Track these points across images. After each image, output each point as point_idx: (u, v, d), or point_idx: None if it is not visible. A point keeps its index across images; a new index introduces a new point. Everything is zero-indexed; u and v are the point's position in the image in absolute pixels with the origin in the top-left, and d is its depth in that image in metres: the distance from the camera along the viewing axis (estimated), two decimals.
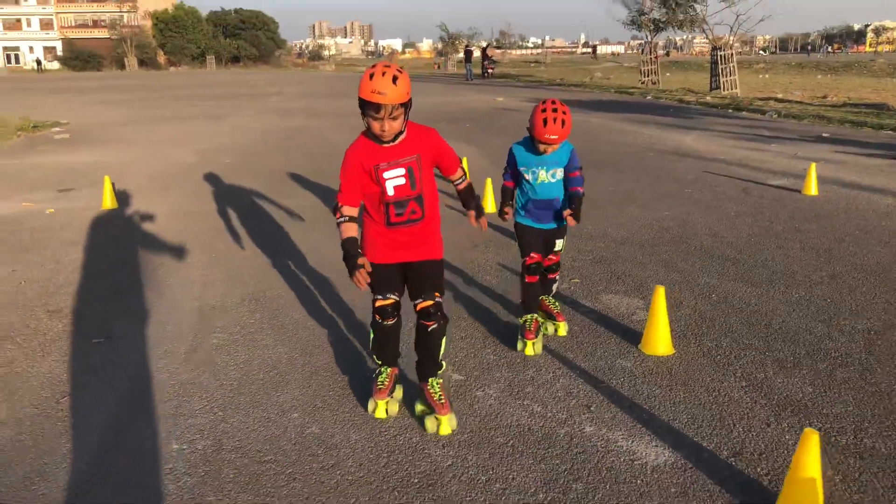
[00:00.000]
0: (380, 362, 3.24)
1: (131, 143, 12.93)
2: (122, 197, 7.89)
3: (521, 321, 3.93)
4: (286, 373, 3.66)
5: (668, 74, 41.27)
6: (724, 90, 24.59)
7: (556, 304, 4.15)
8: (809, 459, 2.30)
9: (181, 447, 2.99)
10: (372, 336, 3.19)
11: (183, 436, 3.08)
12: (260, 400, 3.39)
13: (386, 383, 3.18)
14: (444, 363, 3.23)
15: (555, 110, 3.49)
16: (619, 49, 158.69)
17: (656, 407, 3.25)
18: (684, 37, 32.68)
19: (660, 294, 3.75)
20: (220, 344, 4.04)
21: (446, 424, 3.06)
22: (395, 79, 2.69)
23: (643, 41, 30.31)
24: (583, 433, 3.04)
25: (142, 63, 71.92)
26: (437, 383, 3.16)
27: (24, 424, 3.19)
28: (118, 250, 5.96)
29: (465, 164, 8.53)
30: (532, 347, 3.82)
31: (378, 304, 3.08)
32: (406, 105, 2.78)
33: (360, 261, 2.86)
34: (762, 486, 2.65)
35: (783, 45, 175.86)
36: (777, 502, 2.45)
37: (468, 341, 4.00)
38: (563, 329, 4.05)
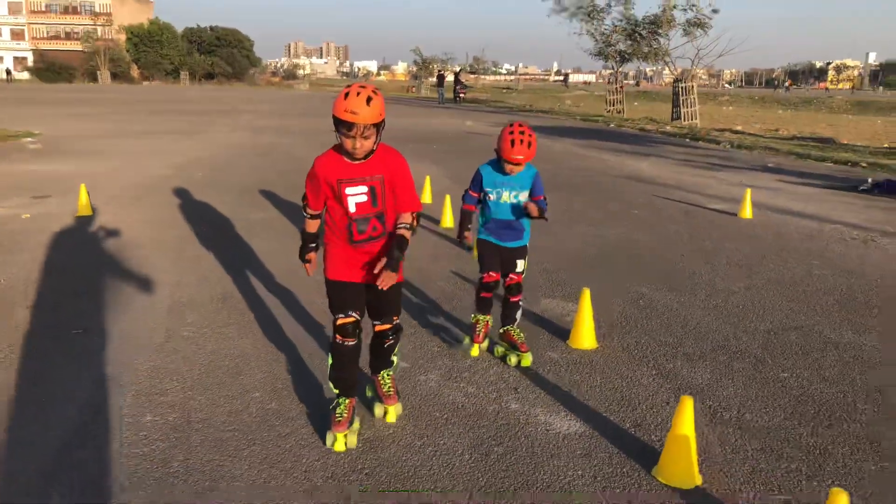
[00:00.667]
0: (337, 391, 3.22)
1: (105, 155, 13.21)
2: (96, 205, 8.22)
3: (472, 319, 4.16)
4: (250, 360, 4.07)
5: (636, 104, 42.60)
6: (684, 120, 25.58)
7: (521, 334, 4.10)
8: (684, 419, 2.79)
9: (154, 418, 3.38)
10: (330, 362, 3.20)
11: (156, 410, 3.47)
12: (225, 382, 3.79)
13: (345, 415, 3.15)
14: (394, 359, 3.40)
15: (521, 132, 3.69)
16: (591, 78, 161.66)
17: (575, 390, 3.74)
18: (653, 68, 33.86)
19: (586, 295, 4.25)
20: (190, 336, 4.43)
21: (392, 413, 3.32)
22: (369, 99, 2.75)
23: (612, 70, 31.27)
24: (508, 409, 3.51)
25: (115, 76, 71.67)
26: (388, 375, 3.37)
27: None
28: (93, 253, 6.32)
29: (427, 182, 9.05)
30: (478, 349, 4.09)
31: (339, 321, 3.09)
32: (378, 126, 2.84)
33: (309, 256, 3.17)
34: (654, 448, 3.14)
35: (749, 79, 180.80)
36: (661, 455, 2.94)
37: (417, 337, 4.44)
38: (526, 360, 4.00)
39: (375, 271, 2.94)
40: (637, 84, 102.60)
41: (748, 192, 8.70)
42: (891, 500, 2.84)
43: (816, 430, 3.35)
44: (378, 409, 3.35)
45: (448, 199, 7.83)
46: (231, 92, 55.02)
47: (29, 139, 15.76)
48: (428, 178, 9.31)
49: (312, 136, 17.42)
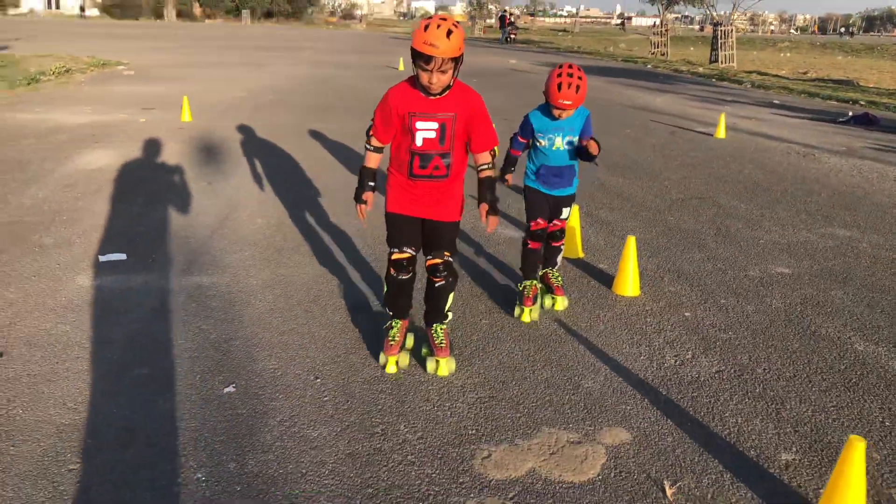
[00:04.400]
0: (391, 313, 3.32)
1: (188, 81, 15.45)
2: (194, 115, 10.43)
3: (519, 287, 3.97)
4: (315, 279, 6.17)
5: (691, 48, 42.81)
6: (722, 63, 26.53)
7: (559, 277, 4.11)
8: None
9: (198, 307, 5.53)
10: (385, 289, 3.30)
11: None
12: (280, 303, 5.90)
13: (397, 338, 3.24)
14: (449, 314, 3.35)
15: (570, 75, 3.47)
16: (655, 21, 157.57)
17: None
18: (720, 13, 33.85)
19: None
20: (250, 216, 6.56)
21: (444, 366, 3.25)
22: (449, 32, 2.67)
23: (680, 15, 32.06)
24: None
25: (178, 14, 74.25)
26: (441, 329, 3.31)
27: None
28: (200, 144, 8.52)
29: None
30: (528, 314, 3.85)
31: (394, 257, 3.12)
32: (457, 60, 2.75)
33: (365, 196, 3.08)
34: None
35: (822, 25, 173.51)
36: None
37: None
38: (560, 303, 4.02)
39: (482, 220, 3.04)
40: (702, 29, 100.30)
41: (722, 115, 10.38)
42: None
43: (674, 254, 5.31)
44: (430, 364, 3.27)
45: None
46: (290, 30, 56.93)
47: (122, 67, 18.13)
48: None
49: (367, 71, 19.35)
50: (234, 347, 3.51)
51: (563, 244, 4.06)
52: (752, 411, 3.09)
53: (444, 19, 2.73)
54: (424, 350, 3.38)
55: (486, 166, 3.06)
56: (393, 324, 3.30)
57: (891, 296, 4.43)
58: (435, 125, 2.91)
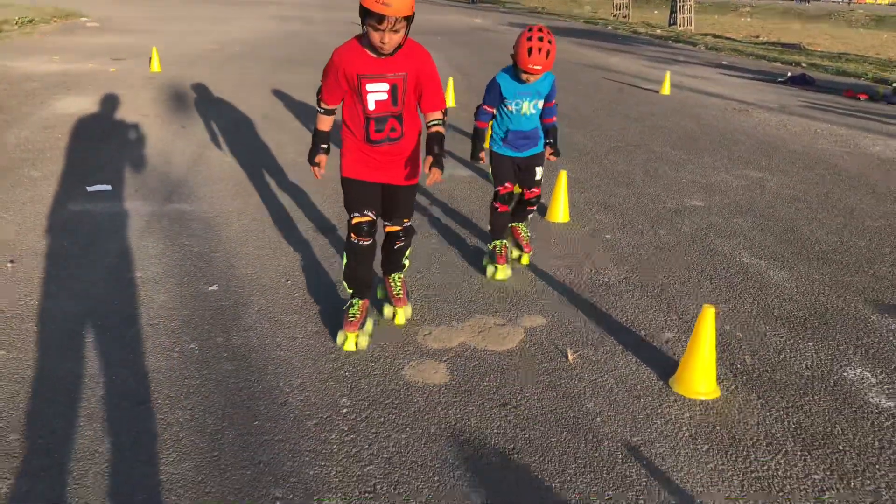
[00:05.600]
0: (351, 291, 3.21)
1: (155, 34, 15.54)
2: (163, 66, 10.72)
3: (489, 247, 4.02)
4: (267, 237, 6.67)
5: (655, 12, 43.33)
6: (680, 26, 27.16)
7: (528, 233, 4.18)
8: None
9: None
10: (345, 261, 3.18)
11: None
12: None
13: (357, 316, 3.13)
14: (406, 262, 3.38)
15: (540, 39, 3.44)
16: None
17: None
18: None
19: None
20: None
21: (401, 315, 3.32)
22: None
23: None
24: None
25: None
26: (399, 278, 3.35)
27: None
28: (169, 96, 8.90)
29: (451, 84, 11.02)
30: (502, 272, 3.93)
31: (354, 220, 3.03)
32: (409, 19, 2.69)
33: (318, 158, 3.03)
34: None
35: None
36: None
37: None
38: (526, 259, 4.14)
39: (425, 170, 2.86)
40: None
41: (668, 73, 11.04)
42: None
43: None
44: (387, 311, 3.36)
45: (451, 81, 9.47)
46: None
47: (84, 19, 18.07)
48: (451, 79, 10.78)
49: (332, 26, 19.55)
50: (215, 258, 4.08)
51: (535, 209, 4.08)
52: (648, 305, 3.78)
53: None
54: (380, 293, 3.48)
55: (436, 122, 2.96)
56: (353, 302, 3.19)
57: (782, 223, 5.15)
58: (386, 86, 2.84)
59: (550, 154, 3.85)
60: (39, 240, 4.21)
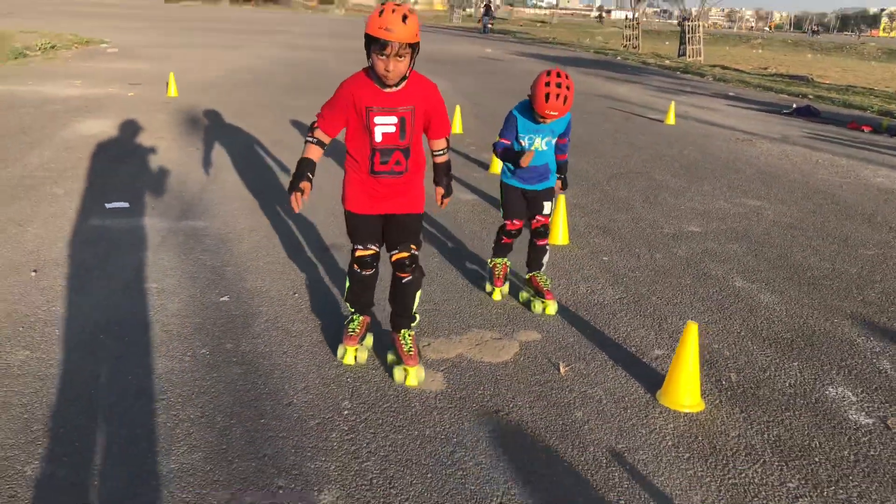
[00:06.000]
0: (352, 310, 3.26)
1: (171, 60, 15.97)
2: (179, 90, 11.05)
3: (489, 264, 4.10)
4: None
5: (666, 43, 43.82)
6: (689, 57, 27.54)
7: (547, 281, 4.06)
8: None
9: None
10: (348, 285, 3.22)
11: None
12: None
13: (357, 330, 3.19)
14: (417, 316, 3.28)
15: (559, 85, 3.42)
16: (627, 15, 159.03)
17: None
18: (698, 9, 34.38)
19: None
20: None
21: (413, 376, 3.11)
22: (405, 17, 2.61)
23: (659, 10, 33.00)
24: None
25: None
26: (409, 335, 3.22)
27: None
28: (185, 116, 9.19)
29: (458, 113, 11.26)
30: (500, 294, 3.98)
31: (357, 253, 3.08)
32: (414, 47, 2.70)
33: (302, 185, 2.85)
34: None
35: (798, 23, 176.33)
36: None
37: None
38: (551, 308, 3.92)
39: (437, 201, 3.06)
40: (679, 24, 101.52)
41: (672, 103, 11.27)
42: None
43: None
44: (398, 374, 3.14)
45: (458, 109, 9.67)
46: (267, 14, 57.07)
47: (105, 45, 18.57)
48: (458, 108, 9.99)
49: (342, 54, 19.98)
50: (226, 271, 4.27)
51: (547, 243, 3.99)
52: (640, 324, 3.93)
53: (399, 5, 2.67)
54: (391, 357, 3.25)
55: (441, 152, 3.09)
56: (354, 317, 3.25)
57: (777, 249, 5.30)
58: (394, 119, 2.83)
59: (560, 189, 3.97)
60: (61, 252, 4.42)
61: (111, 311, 3.66)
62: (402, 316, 3.23)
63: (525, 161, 3.61)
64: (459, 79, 15.42)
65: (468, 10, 69.19)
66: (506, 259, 4.08)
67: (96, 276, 4.08)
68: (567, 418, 2.97)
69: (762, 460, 2.76)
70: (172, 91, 10.75)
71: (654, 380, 3.31)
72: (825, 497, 2.57)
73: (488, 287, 4.07)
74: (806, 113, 12.90)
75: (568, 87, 3.45)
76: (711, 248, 5.26)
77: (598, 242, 5.25)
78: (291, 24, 39.62)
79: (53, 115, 8.69)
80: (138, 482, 2.42)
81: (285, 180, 6.37)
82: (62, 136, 7.60)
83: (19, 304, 3.68)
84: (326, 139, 2.96)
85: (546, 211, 3.87)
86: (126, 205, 5.41)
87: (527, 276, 4.11)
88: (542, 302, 3.96)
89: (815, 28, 52.50)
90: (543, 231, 3.92)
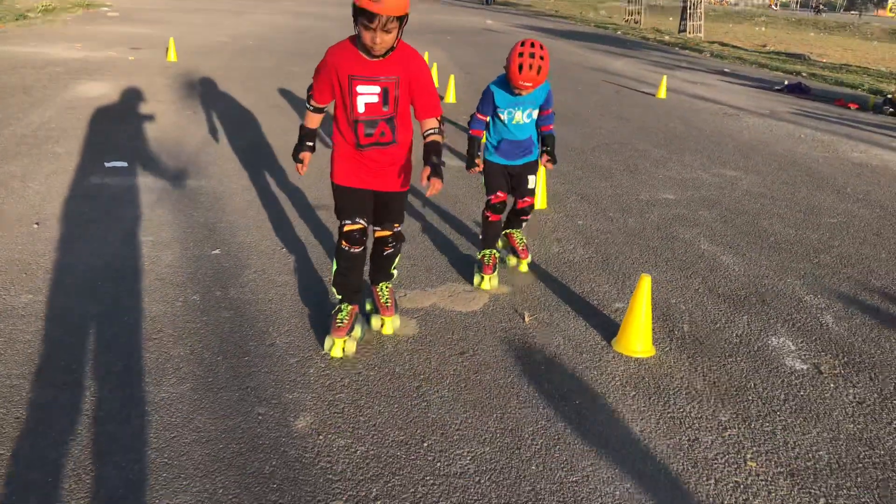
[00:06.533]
0: (340, 297, 3.19)
1: (172, 25, 16.07)
2: (179, 56, 11.21)
3: (479, 256, 4.03)
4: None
5: (670, 18, 43.53)
6: (689, 33, 27.48)
7: (523, 239, 4.16)
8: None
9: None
10: (335, 267, 3.17)
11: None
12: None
13: (345, 322, 3.10)
14: (395, 272, 3.37)
15: (532, 55, 3.42)
16: None
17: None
18: None
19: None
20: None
21: (389, 325, 3.30)
22: None
23: None
24: None
25: None
26: (387, 287, 3.31)
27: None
28: (184, 84, 9.38)
29: (433, 68, 11.69)
30: (488, 282, 3.91)
31: (346, 228, 3.02)
32: (402, 19, 2.65)
33: (302, 155, 2.98)
34: None
35: (806, 2, 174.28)
36: None
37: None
38: (524, 266, 4.13)
39: (423, 182, 2.80)
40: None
41: (664, 77, 11.43)
42: None
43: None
44: (375, 321, 3.34)
45: (452, 79, 9.93)
46: None
47: (106, 8, 18.62)
48: (435, 66, 10.88)
49: (346, 22, 19.97)
50: (219, 227, 4.53)
51: (529, 217, 4.05)
52: (605, 280, 4.19)
53: None
54: (369, 306, 3.41)
55: (432, 131, 2.94)
56: (342, 307, 3.15)
57: (746, 216, 5.55)
58: (377, 89, 2.80)
59: (547, 161, 3.81)
60: (62, 206, 4.67)
61: (109, 260, 3.93)
62: (380, 272, 3.34)
63: (472, 172, 3.80)
64: (458, 49, 15.51)
65: None
66: (494, 250, 3.98)
67: (95, 229, 4.34)
68: (526, 360, 3.25)
69: (700, 398, 3.05)
70: (172, 56, 10.91)
71: (611, 329, 3.58)
72: (752, 429, 2.86)
73: (476, 279, 3.95)
74: (797, 90, 13.05)
75: (542, 58, 3.45)
76: (683, 213, 5.51)
77: (575, 207, 5.50)
78: None
79: (55, 76, 8.88)
80: (131, 406, 2.70)
81: (281, 143, 6.60)
82: (63, 97, 7.80)
83: (23, 252, 3.95)
84: (322, 106, 3.03)
85: (531, 185, 3.90)
86: (125, 164, 5.65)
87: (504, 233, 4.20)
88: (517, 258, 4.18)
89: (820, 6, 51.90)
90: (530, 210, 3.98)
